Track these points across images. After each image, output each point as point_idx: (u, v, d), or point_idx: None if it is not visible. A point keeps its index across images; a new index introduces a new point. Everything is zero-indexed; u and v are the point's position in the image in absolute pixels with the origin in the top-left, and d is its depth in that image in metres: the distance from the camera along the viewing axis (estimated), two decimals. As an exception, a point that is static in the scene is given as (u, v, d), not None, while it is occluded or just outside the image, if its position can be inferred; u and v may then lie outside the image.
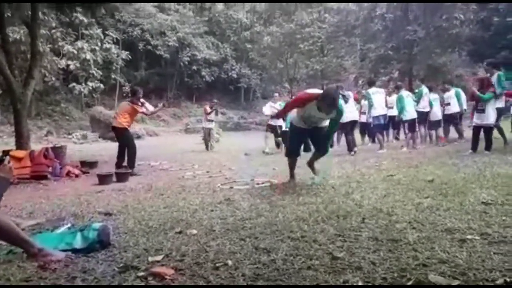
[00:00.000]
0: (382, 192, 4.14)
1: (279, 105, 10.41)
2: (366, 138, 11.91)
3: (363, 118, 10.97)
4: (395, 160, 6.96)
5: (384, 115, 9.54)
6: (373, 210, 3.41)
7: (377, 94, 9.38)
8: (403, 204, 3.59)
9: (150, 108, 8.40)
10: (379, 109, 9.28)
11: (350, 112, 9.07)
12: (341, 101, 8.85)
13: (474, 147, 7.34)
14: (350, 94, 9.44)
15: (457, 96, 10.04)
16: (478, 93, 7.19)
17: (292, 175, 5.31)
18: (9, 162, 2.73)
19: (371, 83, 10.02)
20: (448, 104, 10.05)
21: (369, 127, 10.68)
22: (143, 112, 8.09)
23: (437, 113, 9.96)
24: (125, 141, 7.70)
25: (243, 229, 3.04)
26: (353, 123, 9.33)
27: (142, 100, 7.98)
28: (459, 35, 21.58)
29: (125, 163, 7.60)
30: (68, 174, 7.32)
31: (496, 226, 2.82)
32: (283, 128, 10.35)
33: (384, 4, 21.98)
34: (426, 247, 2.41)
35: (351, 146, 9.06)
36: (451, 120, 10.13)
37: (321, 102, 4.60)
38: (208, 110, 12.88)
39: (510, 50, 19.07)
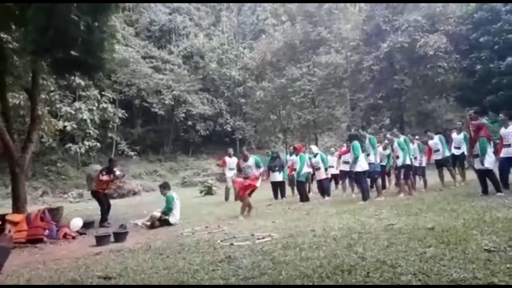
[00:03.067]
0: (384, 243, 4.11)
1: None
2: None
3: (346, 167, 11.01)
4: (394, 208, 6.94)
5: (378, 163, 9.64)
6: (376, 262, 3.38)
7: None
8: (406, 254, 3.57)
9: (117, 174, 9.77)
10: (377, 156, 9.42)
11: (364, 161, 9.18)
12: (360, 149, 9.00)
13: (485, 190, 7.47)
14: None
15: (441, 141, 10.36)
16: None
17: None
18: (9, 231, 2.73)
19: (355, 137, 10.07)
20: (437, 150, 10.33)
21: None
22: (102, 180, 9.33)
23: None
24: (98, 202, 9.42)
25: (247, 289, 3.00)
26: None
27: (115, 169, 9.64)
28: (445, 82, 22.37)
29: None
30: (64, 236, 7.19)
31: (502, 275, 2.80)
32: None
33: (370, 56, 22.90)
34: (433, 300, 2.38)
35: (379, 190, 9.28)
36: (443, 164, 10.34)
37: None
38: (227, 160, 13.00)
39: (496, 95, 19.66)
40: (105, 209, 9.30)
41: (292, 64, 28.19)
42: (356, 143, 9.16)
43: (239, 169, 9.09)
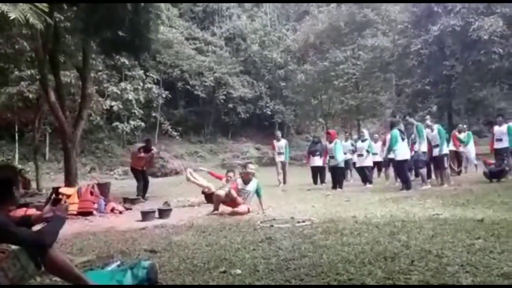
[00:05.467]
0: (429, 232, 4.01)
1: None
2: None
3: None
4: (439, 198, 6.72)
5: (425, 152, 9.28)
6: (421, 251, 3.30)
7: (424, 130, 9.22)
8: (453, 245, 3.46)
9: (153, 151, 10.45)
10: (423, 145, 9.10)
11: (407, 148, 8.99)
12: (399, 138, 8.72)
13: None
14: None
15: (509, 131, 9.79)
16: None
17: None
18: (65, 202, 2.90)
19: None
20: (500, 139, 9.86)
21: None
22: (140, 156, 9.98)
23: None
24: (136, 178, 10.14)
25: (288, 270, 3.02)
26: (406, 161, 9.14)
27: (152, 148, 10.38)
28: (499, 69, 21.00)
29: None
30: (112, 210, 7.53)
31: (558, 272, 2.66)
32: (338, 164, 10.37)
33: (419, 40, 21.93)
34: (483, 293, 2.30)
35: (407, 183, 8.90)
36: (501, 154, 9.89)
37: None
38: (275, 144, 12.78)
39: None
40: (141, 185, 9.91)
41: (336, 47, 27.54)
42: (395, 131, 8.88)
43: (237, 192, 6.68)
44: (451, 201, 6.28)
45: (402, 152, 8.82)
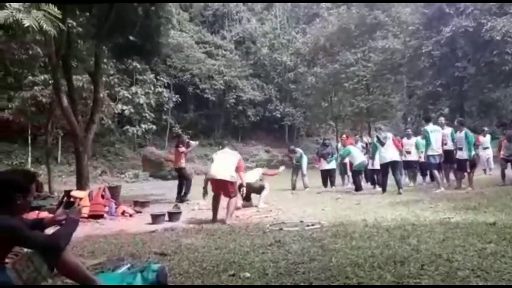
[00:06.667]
0: (440, 236, 3.97)
1: None
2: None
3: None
4: (451, 201, 6.65)
5: (440, 155, 9.14)
6: (431, 255, 3.28)
7: (435, 133, 9.10)
8: (464, 249, 3.43)
9: (192, 143, 10.58)
10: (435, 148, 8.99)
11: (387, 152, 9.06)
12: (378, 144, 9.03)
13: None
14: (389, 136, 9.31)
15: None
16: None
17: None
18: (78, 205, 2.94)
19: (427, 120, 9.83)
20: None
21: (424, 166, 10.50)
22: (182, 152, 9.95)
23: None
24: (181, 178, 9.99)
25: (297, 274, 3.03)
26: (393, 164, 9.11)
27: (188, 140, 10.35)
28: (512, 70, 20.67)
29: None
30: (123, 213, 7.60)
31: None
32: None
33: (431, 41, 21.72)
34: (493, 298, 2.28)
35: (399, 185, 8.96)
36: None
37: None
38: (292, 156, 12.59)
39: None
40: (187, 184, 9.87)
41: (346, 49, 27.35)
42: (374, 139, 9.49)
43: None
44: (462, 204, 6.21)
45: (385, 155, 9.12)
